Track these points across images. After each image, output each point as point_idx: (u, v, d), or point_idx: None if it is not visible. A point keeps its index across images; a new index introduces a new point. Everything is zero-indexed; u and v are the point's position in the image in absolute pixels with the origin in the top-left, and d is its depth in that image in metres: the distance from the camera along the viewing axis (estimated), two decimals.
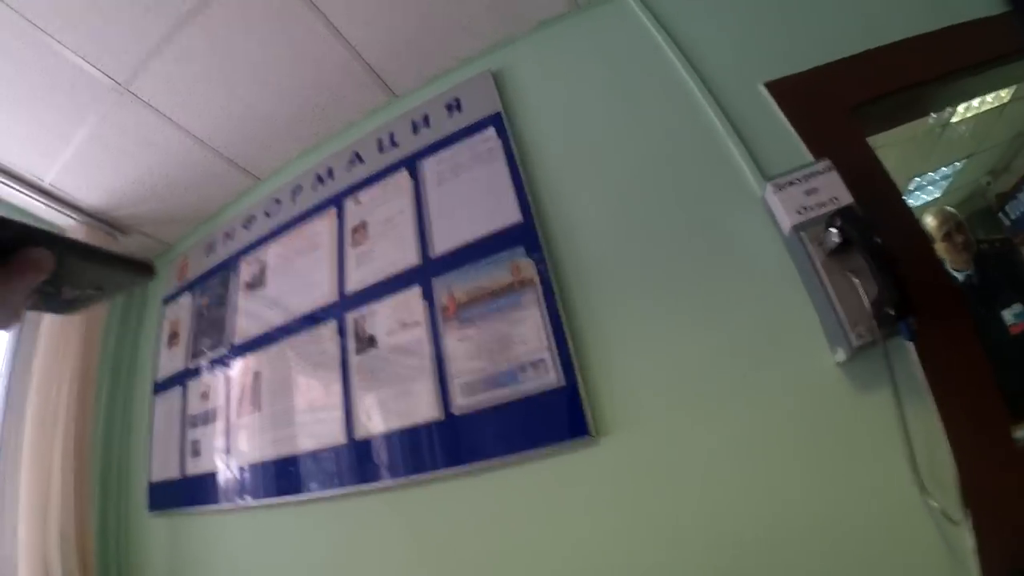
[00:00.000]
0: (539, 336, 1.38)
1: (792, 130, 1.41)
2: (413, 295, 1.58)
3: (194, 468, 1.89)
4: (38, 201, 2.00)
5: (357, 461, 1.54)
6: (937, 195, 2.99)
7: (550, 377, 1.34)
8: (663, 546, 1.23)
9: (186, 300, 2.21)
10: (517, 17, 1.76)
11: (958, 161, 2.87)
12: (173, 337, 2.19)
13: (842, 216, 1.18)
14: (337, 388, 1.63)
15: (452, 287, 1.53)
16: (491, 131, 1.66)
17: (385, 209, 1.76)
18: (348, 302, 1.71)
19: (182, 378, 2.07)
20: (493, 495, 1.38)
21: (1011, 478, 1.24)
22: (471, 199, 1.60)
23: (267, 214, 2.08)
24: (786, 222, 1.24)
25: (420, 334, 1.53)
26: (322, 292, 1.78)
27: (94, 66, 1.59)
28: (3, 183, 1.90)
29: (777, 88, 1.48)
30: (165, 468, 1.98)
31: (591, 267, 1.45)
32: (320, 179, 1.98)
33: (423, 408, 1.47)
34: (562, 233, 1.50)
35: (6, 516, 1.76)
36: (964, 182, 2.99)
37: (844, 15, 1.62)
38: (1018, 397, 1.84)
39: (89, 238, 2.11)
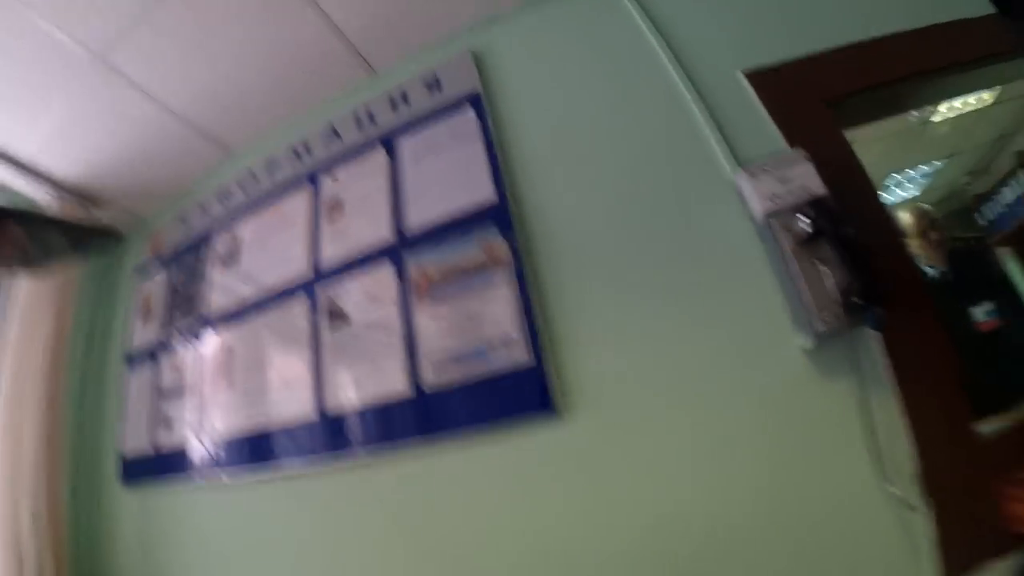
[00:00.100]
0: (509, 315, 1.40)
1: (769, 119, 1.43)
2: (386, 272, 1.60)
3: (166, 442, 1.89)
4: (13, 174, 1.97)
5: (329, 436, 1.56)
6: (916, 192, 3.03)
7: (518, 356, 1.36)
8: (623, 525, 1.26)
9: (160, 274, 2.20)
10: None
11: (938, 160, 2.90)
12: (147, 311, 2.18)
13: (813, 206, 1.21)
14: (309, 364, 1.64)
15: (425, 265, 1.54)
16: (470, 110, 1.66)
17: (361, 186, 1.76)
18: (322, 278, 1.71)
19: (155, 352, 2.07)
20: (462, 471, 1.41)
21: (971, 470, 1.27)
22: (447, 178, 1.61)
23: (243, 188, 2.07)
24: (758, 209, 1.26)
25: (392, 311, 1.55)
26: (296, 268, 1.78)
27: (71, 37, 1.57)
28: None
29: (756, 77, 1.49)
30: (137, 442, 1.97)
31: (563, 248, 1.46)
32: (297, 154, 1.97)
33: (394, 384, 1.49)
34: (536, 214, 1.51)
35: None
36: (943, 181, 3.03)
37: (827, 8, 1.62)
38: (984, 393, 1.88)
39: (64, 212, 2.09)
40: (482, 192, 1.53)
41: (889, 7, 1.64)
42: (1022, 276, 2.31)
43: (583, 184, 1.51)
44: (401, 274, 1.57)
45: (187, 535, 1.79)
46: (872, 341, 1.24)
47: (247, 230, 1.98)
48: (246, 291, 1.88)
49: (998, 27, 1.15)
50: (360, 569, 1.48)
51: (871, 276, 1.16)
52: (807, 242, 1.19)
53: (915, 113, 2.44)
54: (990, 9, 1.30)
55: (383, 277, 1.59)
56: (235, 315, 1.88)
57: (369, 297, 1.60)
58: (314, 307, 1.69)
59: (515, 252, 1.45)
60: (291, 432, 1.62)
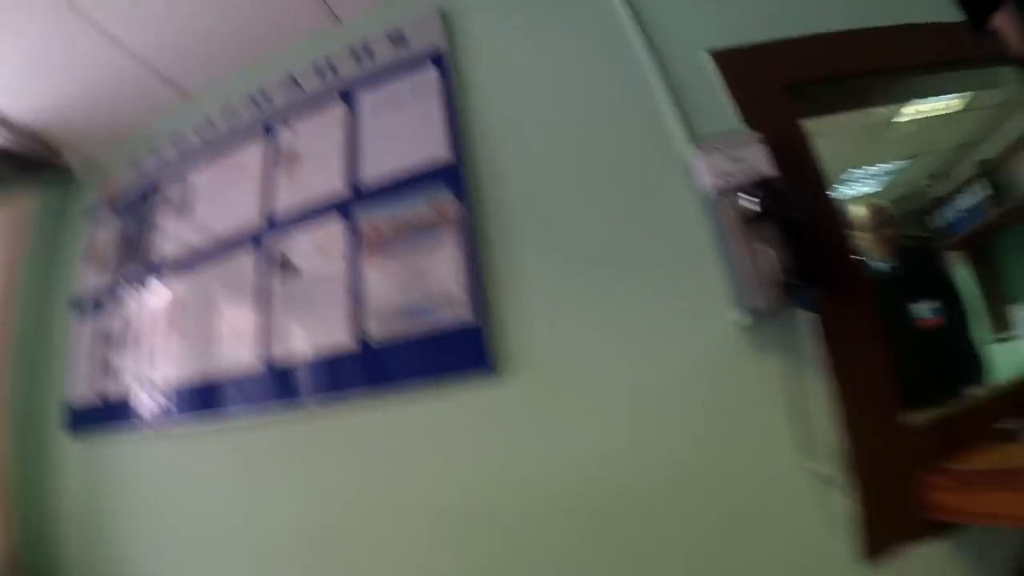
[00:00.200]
0: (455, 274, 1.42)
1: (728, 100, 1.45)
2: (337, 225, 1.60)
3: (114, 391, 1.87)
4: None
5: (276, 387, 1.57)
6: (876, 188, 3.09)
7: (461, 314, 1.40)
8: (555, 478, 1.31)
9: (111, 219, 2.15)
10: None
11: (901, 160, 2.96)
12: (95, 256, 2.13)
13: (762, 186, 1.24)
14: (258, 315, 1.64)
15: (375, 219, 1.55)
16: (433, 69, 1.65)
17: (317, 137, 1.75)
18: (274, 229, 1.70)
19: (104, 299, 2.03)
20: (405, 423, 1.44)
21: (896, 457, 1.32)
22: (403, 134, 1.60)
23: (199, 135, 2.03)
24: (708, 185, 1.28)
25: (342, 264, 1.56)
26: (248, 218, 1.76)
27: None
28: None
29: (720, 57, 1.51)
30: (84, 390, 1.95)
31: (513, 211, 1.48)
32: (255, 102, 1.94)
33: (341, 337, 1.51)
34: (489, 175, 1.52)
35: None
36: (904, 181, 3.10)
37: None
38: (919, 385, 1.95)
39: (13, 146, 2.04)
40: (437, 151, 1.54)
41: (860, 3, 1.66)
42: (970, 279, 2.38)
43: (538, 148, 1.52)
44: (352, 228, 1.57)
45: (134, 485, 1.79)
46: (807, 323, 1.28)
47: (201, 178, 1.95)
48: (197, 240, 1.86)
49: (966, 34, 1.16)
50: (306, 517, 1.49)
51: (811, 259, 1.20)
52: (752, 221, 1.22)
53: (881, 111, 2.48)
54: (958, 16, 1.32)
55: (334, 230, 1.59)
56: (185, 264, 1.86)
57: (320, 250, 1.60)
58: (264, 258, 1.68)
59: (465, 212, 1.46)
60: (239, 382, 1.63)
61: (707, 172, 1.28)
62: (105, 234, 2.14)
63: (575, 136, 1.50)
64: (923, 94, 2.43)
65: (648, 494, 1.27)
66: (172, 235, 1.93)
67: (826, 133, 2.11)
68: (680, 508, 1.27)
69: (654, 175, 1.41)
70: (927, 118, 2.63)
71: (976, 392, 1.63)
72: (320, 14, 1.86)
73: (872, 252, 2.25)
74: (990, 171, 2.96)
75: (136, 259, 1.99)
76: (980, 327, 2.22)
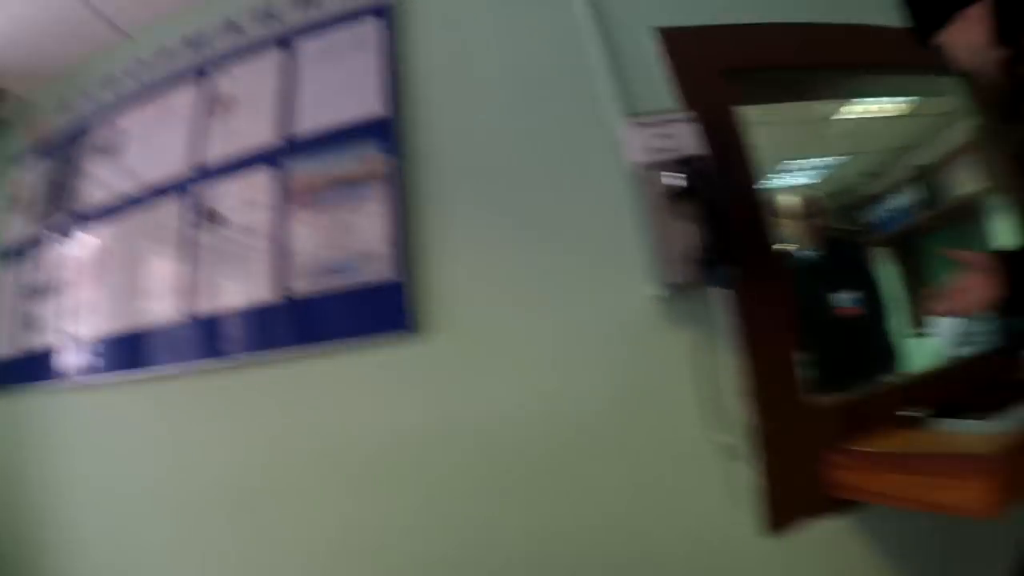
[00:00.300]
0: (380, 231, 1.42)
1: (667, 77, 1.47)
2: (267, 176, 1.56)
3: (33, 343, 1.81)
4: None
5: (200, 340, 1.55)
6: (812, 180, 3.20)
7: (385, 272, 1.40)
8: (470, 439, 1.35)
9: (36, 163, 2.05)
10: None
11: (840, 155, 3.07)
12: (18, 203, 2.04)
13: (687, 164, 1.27)
14: (183, 265, 1.60)
15: (304, 172, 1.53)
16: (376, 21, 1.62)
17: (253, 84, 1.69)
18: (203, 178, 1.65)
19: (27, 248, 1.94)
20: (328, 379, 1.44)
21: (801, 435, 1.37)
22: (340, 87, 1.58)
23: (132, 77, 1.94)
24: (636, 159, 1.30)
25: (269, 216, 1.53)
26: (177, 166, 1.70)
27: None
28: None
29: (665, 35, 1.52)
30: (4, 344, 1.88)
31: (443, 171, 1.48)
32: (191, 44, 1.87)
33: (265, 290, 1.49)
34: (422, 133, 1.51)
35: None
36: (840, 175, 3.21)
37: None
38: (833, 370, 2.03)
39: None
40: (373, 105, 1.52)
41: None
42: (894, 276, 2.48)
43: (474, 109, 1.52)
44: (282, 180, 1.54)
45: (58, 439, 1.74)
46: (722, 300, 1.32)
47: (131, 122, 1.87)
48: (125, 187, 1.79)
49: (910, 43, 1.20)
50: (230, 470, 1.49)
51: (728, 239, 1.24)
52: (675, 198, 1.25)
53: (825, 106, 2.55)
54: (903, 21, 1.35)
55: (263, 181, 1.56)
56: (112, 211, 1.79)
57: (248, 201, 1.56)
58: (192, 208, 1.63)
59: (395, 169, 1.45)
60: (163, 335, 1.59)
61: (636, 146, 1.30)
62: (31, 179, 2.04)
63: (512, 99, 1.51)
64: (867, 94, 2.51)
65: (559, 454, 1.32)
66: (99, 181, 1.85)
67: (768, 122, 2.17)
68: (590, 468, 1.32)
69: (587, 144, 1.44)
70: (869, 118, 2.73)
71: (887, 380, 1.70)
72: None
73: (800, 240, 2.33)
74: (924, 176, 3.10)
75: (61, 206, 1.91)
76: (899, 321, 2.33)
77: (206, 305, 1.55)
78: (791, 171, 3.09)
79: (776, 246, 1.46)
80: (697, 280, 1.24)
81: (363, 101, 1.53)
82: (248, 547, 1.43)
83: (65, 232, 1.87)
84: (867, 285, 2.25)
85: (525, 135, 1.48)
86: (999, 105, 1.16)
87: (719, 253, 1.20)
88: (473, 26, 1.60)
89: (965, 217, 2.71)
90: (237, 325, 1.51)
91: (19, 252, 1.95)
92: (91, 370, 1.69)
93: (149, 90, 1.88)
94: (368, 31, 1.61)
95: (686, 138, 1.30)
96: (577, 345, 1.35)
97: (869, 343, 2.18)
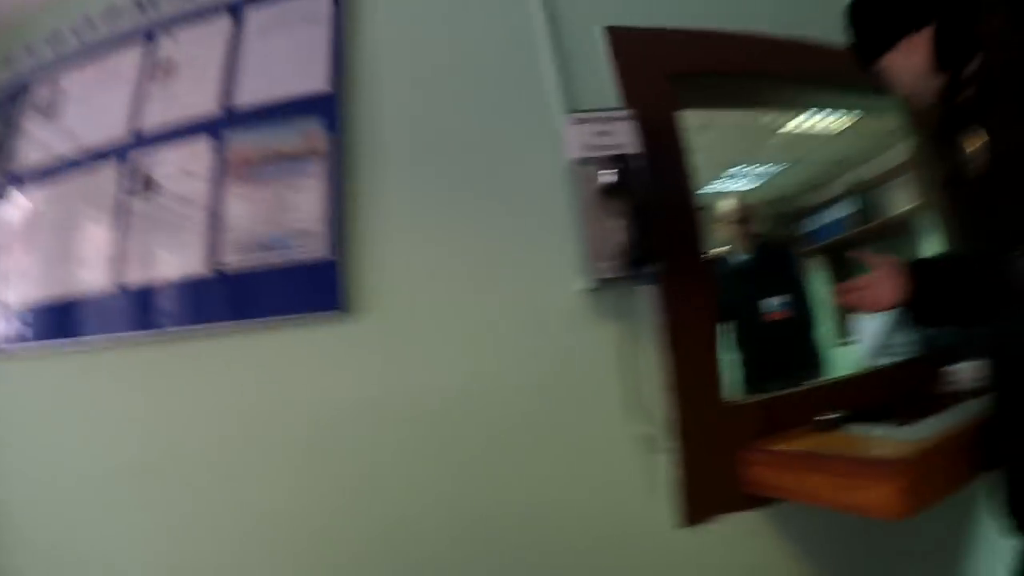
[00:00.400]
0: (316, 209, 1.38)
1: (611, 76, 1.48)
2: (205, 146, 1.50)
3: None
4: None
5: (129, 311, 1.47)
6: (751, 186, 3.26)
7: (318, 250, 1.36)
8: (398, 419, 1.33)
9: None
10: None
11: (782, 164, 3.13)
12: None
13: (622, 162, 1.28)
14: (116, 232, 1.52)
15: (243, 144, 1.47)
16: None
17: (199, 50, 1.61)
18: (139, 144, 1.57)
19: None
20: (256, 355, 1.40)
21: (719, 432, 1.40)
22: (286, 59, 1.52)
23: (77, 35, 1.83)
24: (573, 153, 1.31)
25: (203, 186, 1.46)
26: (116, 130, 1.61)
27: None
28: None
29: (614, 34, 1.52)
30: None
31: (385, 152, 1.45)
32: (140, 6, 1.76)
33: (197, 263, 1.43)
34: (366, 114, 1.47)
35: None
36: (780, 184, 3.27)
37: None
38: (758, 370, 2.06)
39: None
40: (317, 81, 1.47)
41: (761, 10, 1.71)
42: (824, 285, 2.53)
43: (420, 92, 1.49)
44: (220, 151, 1.48)
45: None
46: (647, 296, 1.34)
47: (73, 81, 1.76)
48: (62, 148, 1.68)
49: (854, 64, 1.21)
50: (157, 444, 1.41)
51: (656, 238, 1.25)
52: (607, 194, 1.26)
53: (771, 117, 2.58)
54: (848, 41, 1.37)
55: (202, 151, 1.49)
56: (47, 173, 1.68)
57: (185, 170, 1.49)
58: (128, 174, 1.55)
59: (335, 146, 1.41)
60: (94, 304, 1.51)
61: (575, 142, 1.30)
62: None
63: (458, 85, 1.49)
64: (812, 108, 2.55)
65: (486, 436, 1.33)
66: (37, 142, 1.73)
67: (715, 126, 2.20)
68: (515, 450, 1.33)
69: (528, 135, 1.43)
70: (812, 132, 2.78)
71: (807, 384, 1.74)
72: None
73: (734, 244, 2.37)
74: (861, 191, 3.18)
75: None
76: (825, 328, 2.38)
77: (138, 276, 1.47)
78: (733, 176, 3.14)
79: (703, 247, 1.47)
80: (625, 275, 1.25)
81: (309, 76, 1.48)
82: (178, 522, 1.37)
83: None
84: (795, 291, 2.30)
85: (468, 122, 1.46)
86: (933, 130, 1.18)
87: (646, 250, 1.22)
88: (426, 9, 1.56)
89: (897, 233, 2.78)
90: (169, 297, 1.44)
91: None
92: (18, 338, 1.59)
93: (94, 50, 1.77)
94: (321, 5, 1.54)
95: (624, 137, 1.30)
96: (507, 331, 1.35)
97: (794, 347, 2.23)
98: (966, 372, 1.48)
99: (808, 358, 2.22)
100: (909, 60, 1.09)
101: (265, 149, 1.44)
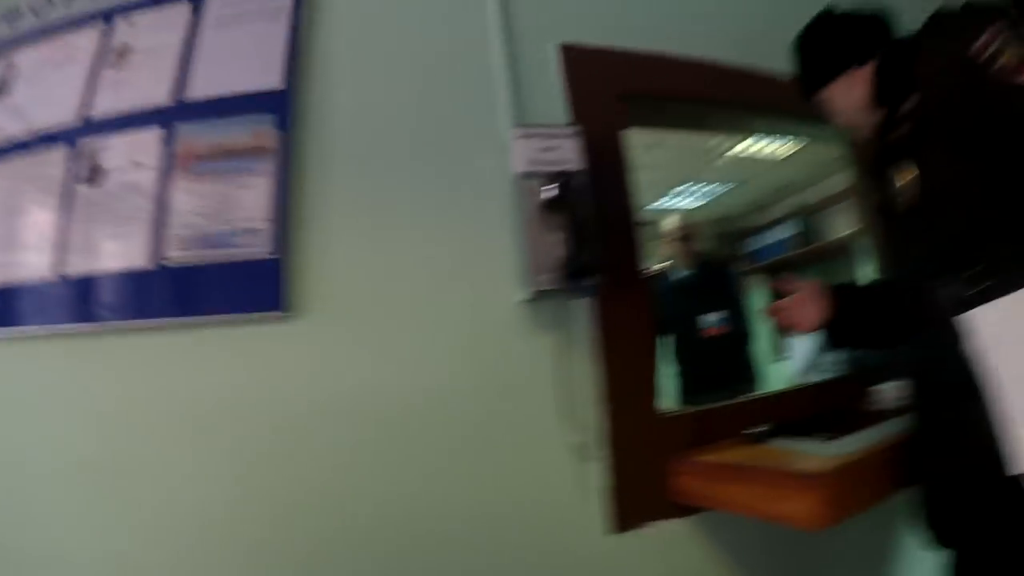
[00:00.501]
0: (262, 206, 1.33)
1: (562, 92, 1.48)
2: (154, 135, 1.42)
3: None
4: None
5: (70, 300, 1.38)
6: (697, 204, 3.30)
7: (263, 248, 1.31)
8: (335, 420, 1.29)
9: None
10: None
11: (729, 185, 3.18)
12: None
13: (565, 178, 1.29)
14: (60, 219, 1.43)
15: (192, 137, 1.40)
16: None
17: (155, 38, 1.53)
18: (89, 129, 1.48)
19: None
20: (197, 351, 1.32)
21: (650, 442, 1.41)
22: (242, 53, 1.46)
23: (34, 12, 1.72)
24: (519, 167, 1.31)
25: (151, 177, 1.39)
26: (66, 112, 1.52)
27: None
28: None
29: (567, 51, 1.51)
30: None
31: (335, 152, 1.41)
32: None
33: (138, 255, 1.35)
34: (318, 115, 1.42)
35: None
36: (725, 204, 3.33)
37: (662, 13, 1.67)
38: (693, 383, 2.08)
39: None
40: (271, 77, 1.41)
41: (714, 37, 1.72)
42: (763, 304, 2.55)
43: (373, 96, 1.45)
44: (169, 142, 1.41)
45: None
46: (583, 309, 1.34)
47: (27, 59, 1.65)
48: (10, 129, 1.57)
49: (797, 90, 1.23)
50: (93, 438, 1.32)
51: (595, 252, 1.27)
52: (549, 208, 1.26)
53: (719, 139, 2.61)
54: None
55: (151, 141, 1.42)
56: None
57: (133, 160, 1.41)
58: (76, 159, 1.46)
59: (285, 145, 1.36)
60: (33, 292, 1.41)
61: (521, 155, 1.30)
62: None
63: (411, 91, 1.46)
64: (758, 134, 2.59)
65: (421, 437, 1.31)
66: None
67: (664, 145, 2.21)
68: (450, 459, 1.32)
69: (477, 145, 1.42)
70: (759, 156, 2.82)
71: (738, 397, 1.75)
72: None
73: (676, 260, 2.40)
74: (804, 215, 3.25)
75: None
76: (761, 345, 2.42)
77: (80, 265, 1.39)
78: (681, 193, 3.18)
79: (641, 262, 1.48)
80: (562, 288, 1.26)
81: (263, 72, 1.42)
82: (111, 520, 1.28)
83: None
84: (733, 308, 2.33)
85: (419, 129, 1.43)
86: (869, 162, 1.20)
87: (583, 264, 1.22)
88: (385, 11, 1.52)
89: (837, 256, 2.85)
90: (110, 289, 1.36)
91: None
92: None
93: (52, 29, 1.67)
94: (281, 1, 1.48)
95: (569, 153, 1.30)
96: (447, 336, 1.34)
97: (730, 362, 2.26)
98: (890, 392, 1.51)
99: (743, 373, 2.26)
100: (849, 93, 1.11)
101: (215, 144, 1.38)
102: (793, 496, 1.09)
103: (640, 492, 1.39)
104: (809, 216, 3.14)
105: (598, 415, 1.38)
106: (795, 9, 1.23)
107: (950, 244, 0.94)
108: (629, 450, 1.38)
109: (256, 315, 1.30)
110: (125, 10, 1.60)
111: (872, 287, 1.35)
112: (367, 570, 1.25)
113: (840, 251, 2.78)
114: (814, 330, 1.20)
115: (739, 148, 2.78)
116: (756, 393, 2.07)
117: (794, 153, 2.80)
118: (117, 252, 1.37)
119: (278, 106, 1.39)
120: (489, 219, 1.40)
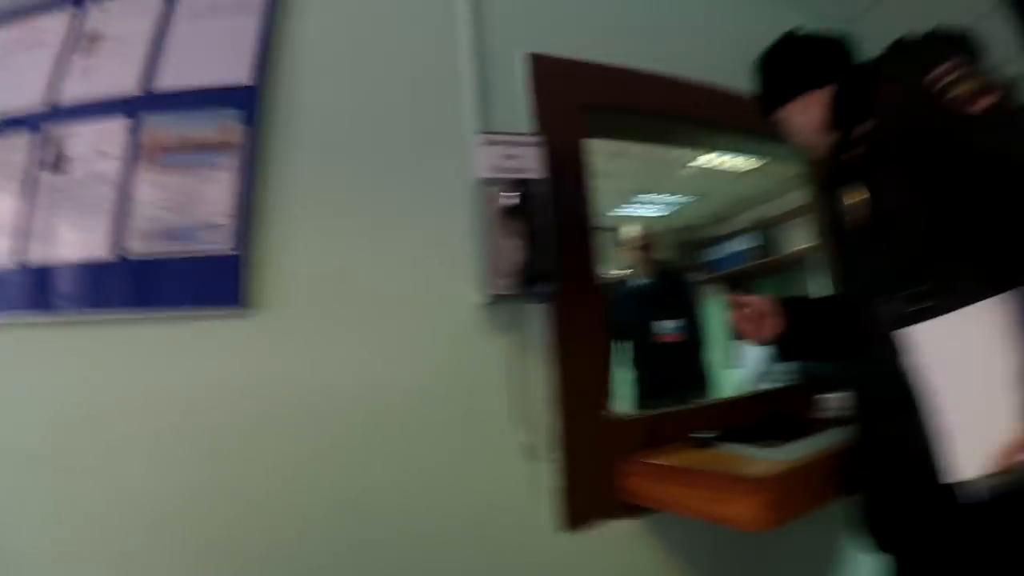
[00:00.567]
0: (225, 202, 1.29)
1: (526, 101, 1.48)
2: (120, 125, 1.37)
3: None
4: None
5: (28, 288, 1.32)
6: (659, 214, 3.33)
7: (224, 244, 1.28)
8: (292, 416, 1.26)
9: None
10: None
11: (689, 196, 3.21)
12: None
13: (525, 186, 1.30)
14: (21, 205, 1.37)
15: (158, 128, 1.36)
16: None
17: (126, 25, 1.48)
18: (56, 115, 1.42)
19: None
20: (155, 345, 1.27)
21: (601, 444, 1.42)
22: (212, 46, 1.42)
23: None
24: (481, 173, 1.31)
25: (116, 167, 1.34)
26: (32, 96, 1.46)
27: None
28: None
29: (534, 61, 1.51)
30: None
31: (301, 149, 1.38)
32: None
33: (101, 246, 1.30)
34: (284, 111, 1.39)
35: None
36: (686, 214, 3.37)
37: (630, 27, 1.68)
38: (649, 389, 2.09)
39: None
40: (239, 72, 1.38)
41: (679, 54, 1.73)
42: (720, 313, 2.59)
43: (340, 95, 1.43)
44: (135, 132, 1.36)
45: None
46: (539, 313, 1.34)
47: None
48: None
49: (755, 108, 1.24)
50: (47, 428, 1.25)
51: (551, 259, 1.28)
52: (508, 214, 1.28)
53: (680, 151, 2.63)
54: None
55: (116, 130, 1.37)
56: None
57: (97, 149, 1.36)
58: (40, 145, 1.40)
59: (250, 140, 1.33)
60: None
61: (483, 161, 1.30)
62: None
63: (379, 92, 1.44)
64: (719, 149, 2.63)
65: (376, 434, 1.29)
66: None
67: (628, 155, 2.22)
68: (404, 457, 1.30)
69: (441, 149, 1.41)
70: (721, 169, 2.86)
71: (689, 403, 1.77)
72: None
73: (634, 268, 2.42)
74: (763, 227, 3.30)
75: None
76: (716, 353, 2.44)
77: (40, 254, 1.33)
78: (643, 202, 3.20)
79: (597, 269, 1.49)
80: (519, 293, 1.26)
81: (232, 66, 1.38)
82: (59, 511, 1.21)
83: None
84: (689, 316, 2.35)
85: (384, 130, 1.42)
86: (821, 180, 1.22)
87: (540, 271, 1.22)
88: (357, 12, 1.50)
89: (793, 268, 2.90)
90: (69, 279, 1.31)
91: None
92: None
93: (23, 10, 1.59)
94: None
95: (530, 162, 1.31)
96: (404, 336, 1.33)
97: (684, 368, 2.28)
98: (835, 402, 1.54)
99: (696, 379, 2.28)
100: (806, 114, 1.12)
101: (180, 136, 1.34)
102: (738, 499, 1.11)
103: (591, 492, 1.40)
104: (767, 229, 3.18)
105: (550, 417, 1.39)
106: (760, 30, 1.25)
107: (896, 264, 0.96)
108: (581, 451, 1.39)
109: (215, 310, 1.27)
110: None
111: (821, 301, 1.38)
112: (320, 568, 1.22)
113: (796, 264, 2.84)
114: (767, 344, 1.22)
115: (701, 161, 2.80)
116: (708, 399, 2.10)
117: (754, 168, 2.84)
118: (78, 242, 1.32)
119: (246, 101, 1.35)
120: (450, 222, 1.40)
